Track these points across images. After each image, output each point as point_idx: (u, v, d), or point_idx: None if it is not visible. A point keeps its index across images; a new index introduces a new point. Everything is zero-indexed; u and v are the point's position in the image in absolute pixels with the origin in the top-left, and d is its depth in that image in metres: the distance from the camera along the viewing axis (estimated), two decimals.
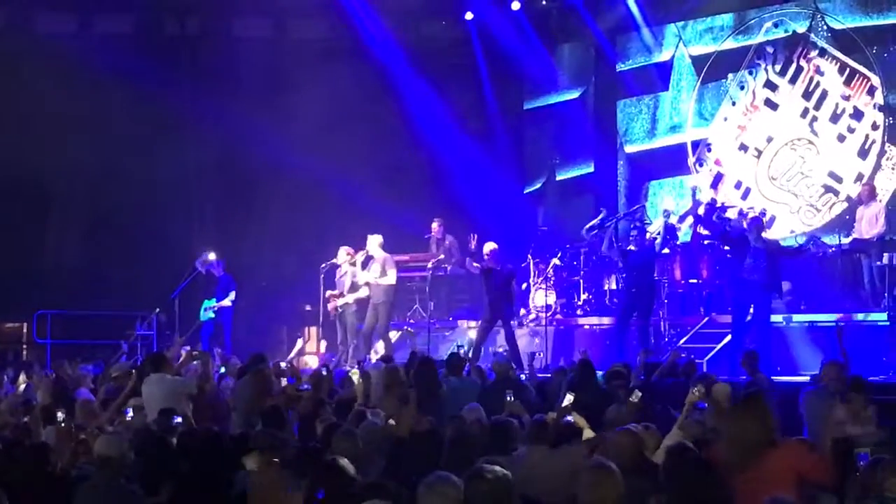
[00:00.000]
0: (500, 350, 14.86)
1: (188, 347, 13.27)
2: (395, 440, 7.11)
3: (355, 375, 10.58)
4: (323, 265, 16.98)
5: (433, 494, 4.92)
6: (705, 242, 16.20)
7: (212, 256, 17.63)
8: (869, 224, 14.97)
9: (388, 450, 7.12)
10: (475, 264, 15.07)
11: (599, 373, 11.18)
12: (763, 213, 17.04)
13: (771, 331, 13.91)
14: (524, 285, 17.74)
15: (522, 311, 17.27)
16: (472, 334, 16.09)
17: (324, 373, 10.81)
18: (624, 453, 6.53)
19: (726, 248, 15.09)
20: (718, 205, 16.54)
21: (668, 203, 17.39)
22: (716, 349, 13.98)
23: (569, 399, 8.30)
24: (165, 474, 6.60)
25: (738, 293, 13.99)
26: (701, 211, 16.09)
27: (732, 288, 14.48)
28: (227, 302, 17.42)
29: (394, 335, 17.08)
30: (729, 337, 13.98)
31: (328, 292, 16.66)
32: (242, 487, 6.07)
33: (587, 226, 16.78)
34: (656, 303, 15.88)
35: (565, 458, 6.98)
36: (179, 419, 8.46)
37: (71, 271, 20.15)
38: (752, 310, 13.79)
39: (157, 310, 17.95)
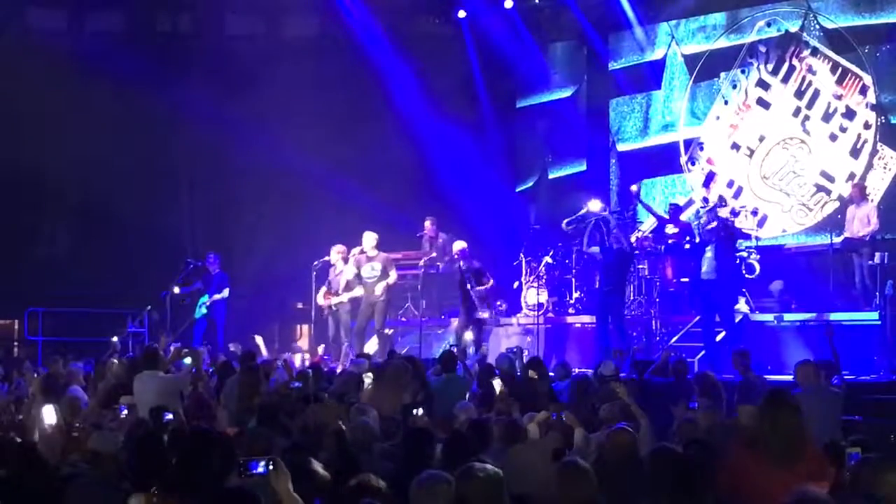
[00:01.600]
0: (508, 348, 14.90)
1: (178, 344, 13.23)
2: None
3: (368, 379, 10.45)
4: (315, 263, 16.96)
5: (425, 492, 4.92)
6: (670, 242, 16.29)
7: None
8: (861, 224, 15.00)
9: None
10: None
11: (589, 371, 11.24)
12: (755, 212, 17.10)
13: (741, 328, 13.95)
14: (515, 284, 17.74)
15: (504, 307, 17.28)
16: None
17: (309, 372, 10.81)
18: (619, 451, 6.53)
19: (687, 247, 15.27)
20: (710, 205, 16.58)
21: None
22: (700, 354, 13.97)
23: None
24: (156, 472, 6.57)
25: (701, 294, 14.14)
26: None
27: (696, 289, 14.59)
28: (218, 296, 17.41)
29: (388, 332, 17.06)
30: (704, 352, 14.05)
31: (322, 290, 16.63)
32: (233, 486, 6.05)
33: (566, 220, 16.79)
34: (647, 300, 15.94)
35: (542, 452, 6.97)
36: (171, 416, 8.43)
37: (62, 269, 20.13)
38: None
39: (149, 307, 17.93)
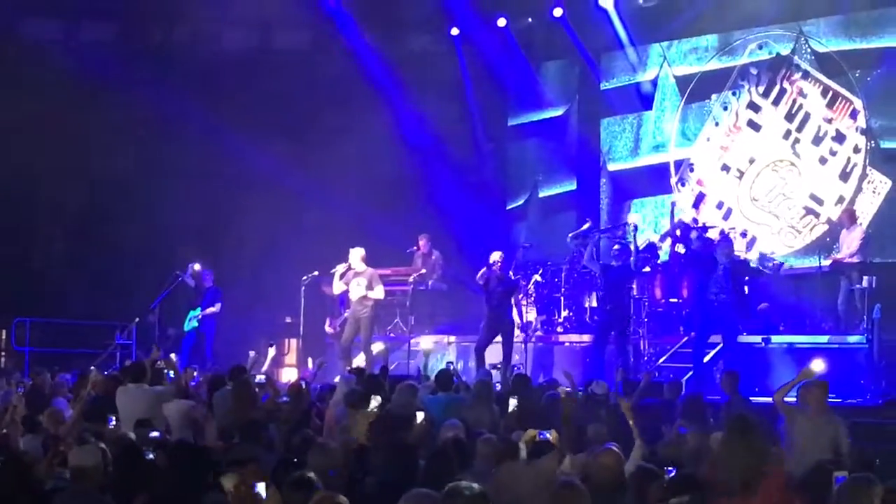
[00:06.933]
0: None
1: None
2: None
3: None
4: (304, 278, 16.97)
5: None
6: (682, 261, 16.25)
7: (197, 267, 17.65)
8: (848, 248, 15.05)
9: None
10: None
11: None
12: (744, 234, 17.13)
13: (741, 351, 13.91)
14: None
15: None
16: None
17: (302, 385, 10.77)
18: (605, 472, 6.52)
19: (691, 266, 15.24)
20: (699, 225, 16.58)
21: (633, 218, 17.37)
22: (688, 374, 13.91)
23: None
24: (140, 486, 6.56)
25: (704, 314, 14.06)
26: (678, 231, 16.21)
27: (698, 308, 14.51)
28: (210, 311, 17.38)
29: (376, 347, 17.03)
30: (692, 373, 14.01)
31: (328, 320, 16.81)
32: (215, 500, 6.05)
33: (571, 234, 16.89)
34: (635, 320, 15.90)
35: (537, 472, 6.96)
36: (156, 433, 8.39)
37: (51, 279, 20.07)
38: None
39: (137, 319, 17.87)
